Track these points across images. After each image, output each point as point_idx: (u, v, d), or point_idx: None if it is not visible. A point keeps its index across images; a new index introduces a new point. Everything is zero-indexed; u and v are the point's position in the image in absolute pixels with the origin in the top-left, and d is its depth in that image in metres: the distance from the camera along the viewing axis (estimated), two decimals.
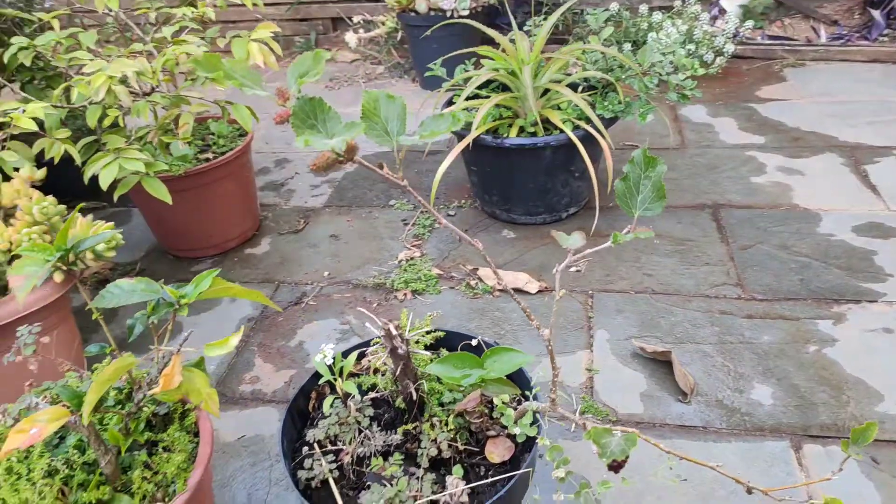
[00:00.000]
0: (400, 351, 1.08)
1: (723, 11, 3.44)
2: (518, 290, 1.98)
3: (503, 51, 2.26)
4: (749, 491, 1.12)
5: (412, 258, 2.18)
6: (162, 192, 1.78)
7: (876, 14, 3.34)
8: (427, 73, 2.39)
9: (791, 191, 2.36)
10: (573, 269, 2.06)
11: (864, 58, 3.24)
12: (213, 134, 2.25)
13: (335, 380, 1.20)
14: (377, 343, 1.30)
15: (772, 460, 1.45)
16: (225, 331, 1.97)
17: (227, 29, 2.22)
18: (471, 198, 2.48)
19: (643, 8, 2.49)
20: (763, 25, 3.72)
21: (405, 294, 2.03)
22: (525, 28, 2.39)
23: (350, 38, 3.60)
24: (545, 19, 2.26)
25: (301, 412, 1.30)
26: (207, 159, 2.11)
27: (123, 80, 1.73)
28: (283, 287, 2.15)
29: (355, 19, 4.06)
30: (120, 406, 1.12)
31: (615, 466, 0.83)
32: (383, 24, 3.90)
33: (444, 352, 1.32)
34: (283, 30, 4.28)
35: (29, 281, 0.91)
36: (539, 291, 1.98)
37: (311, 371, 1.81)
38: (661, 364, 1.71)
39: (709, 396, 1.61)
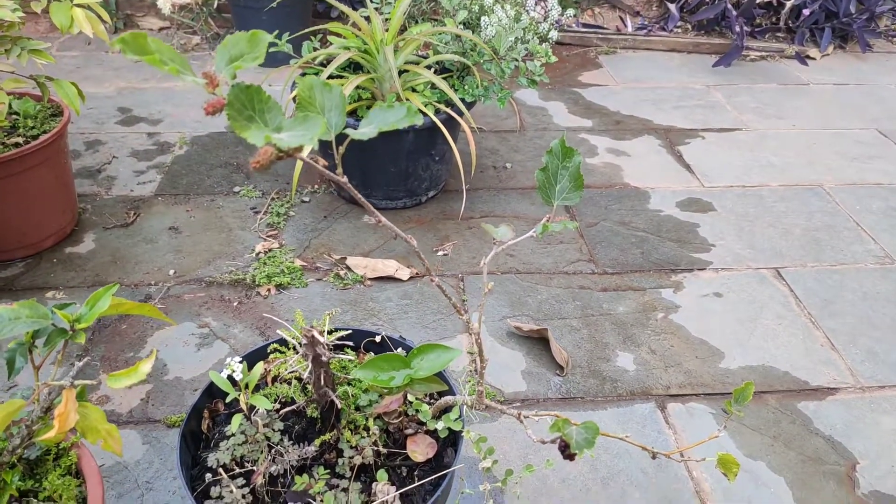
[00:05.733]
0: (324, 358, 1.00)
1: None
2: (389, 278, 1.94)
3: (353, 26, 2.17)
4: (654, 456, 1.21)
5: (270, 249, 2.04)
6: None
7: (672, 7, 3.74)
8: (271, 49, 2.22)
9: (621, 171, 2.57)
10: (441, 253, 2.06)
11: (664, 47, 3.62)
12: (17, 114, 1.90)
13: (239, 395, 1.08)
14: (276, 350, 1.20)
15: (643, 421, 1.59)
16: None
17: None
18: (325, 182, 2.37)
19: None
20: (577, 13, 3.98)
21: (269, 289, 1.89)
22: (374, 5, 2.31)
23: (163, 2, 3.23)
24: None
25: (192, 434, 1.16)
26: (17, 144, 1.78)
27: None
28: (120, 290, 1.90)
29: None
30: None
31: (570, 455, 0.85)
32: None
33: (349, 352, 1.26)
34: None
35: None
36: (411, 278, 1.96)
37: (170, 384, 1.64)
38: (536, 341, 1.79)
39: (583, 368, 1.71)
